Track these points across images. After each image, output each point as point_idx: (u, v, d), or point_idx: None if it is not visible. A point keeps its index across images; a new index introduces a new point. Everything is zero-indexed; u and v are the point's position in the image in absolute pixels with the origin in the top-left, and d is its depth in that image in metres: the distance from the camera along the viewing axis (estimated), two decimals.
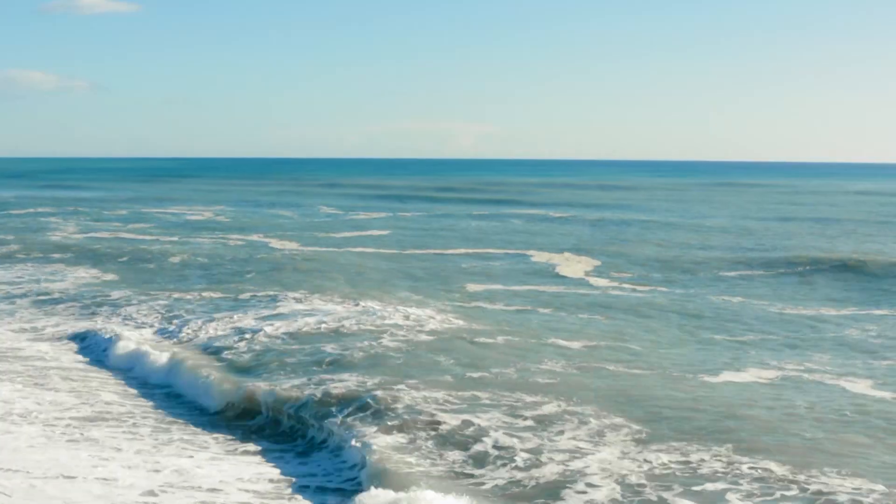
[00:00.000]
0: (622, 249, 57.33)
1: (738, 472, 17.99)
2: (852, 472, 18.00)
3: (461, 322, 32.17)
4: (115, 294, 39.44)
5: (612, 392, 23.38)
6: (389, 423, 20.80)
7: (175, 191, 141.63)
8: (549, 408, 21.75)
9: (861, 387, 24.62)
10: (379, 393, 22.74)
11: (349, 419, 21.18)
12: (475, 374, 24.83)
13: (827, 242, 60.15)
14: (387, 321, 31.77)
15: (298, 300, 36.28)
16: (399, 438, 20.04)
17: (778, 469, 18.04)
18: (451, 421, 20.94)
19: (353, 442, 19.61)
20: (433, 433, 20.30)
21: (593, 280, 44.54)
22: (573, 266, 49.78)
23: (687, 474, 17.94)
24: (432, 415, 21.33)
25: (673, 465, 18.33)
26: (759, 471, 17.99)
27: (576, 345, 28.94)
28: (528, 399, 22.43)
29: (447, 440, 19.95)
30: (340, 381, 24.16)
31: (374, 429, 20.44)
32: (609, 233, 70.00)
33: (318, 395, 22.89)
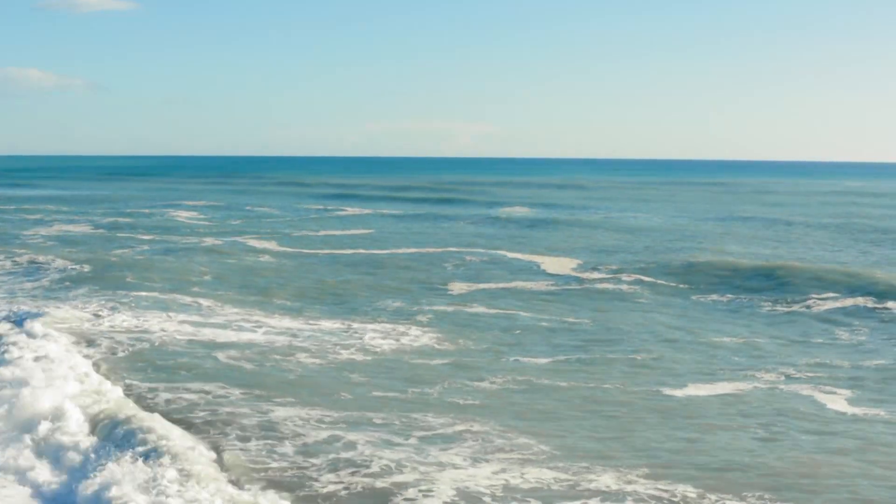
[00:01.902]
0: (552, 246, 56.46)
1: (613, 491, 16.60)
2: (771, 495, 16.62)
3: (399, 336, 30.40)
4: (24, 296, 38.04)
5: (533, 412, 21.80)
6: (233, 435, 19.48)
7: (140, 189, 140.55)
8: (456, 428, 20.22)
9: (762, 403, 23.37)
10: (236, 406, 21.62)
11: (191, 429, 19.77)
12: (380, 393, 23.24)
13: (732, 245, 58.25)
14: (308, 334, 30.38)
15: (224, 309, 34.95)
16: (241, 447, 18.72)
17: (690, 492, 16.58)
18: (317, 434, 19.63)
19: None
20: (291, 444, 18.96)
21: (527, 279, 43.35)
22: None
23: (558, 494, 16.55)
24: (295, 428, 20.02)
25: (549, 485, 16.91)
26: (661, 491, 16.60)
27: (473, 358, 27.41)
28: (432, 420, 20.84)
29: (303, 450, 18.62)
30: (203, 392, 22.99)
31: (224, 438, 19.24)
32: (544, 231, 68.91)
33: (164, 405, 21.67)
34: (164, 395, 22.69)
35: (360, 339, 29.75)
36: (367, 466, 17.64)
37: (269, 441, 19.18)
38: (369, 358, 27.19)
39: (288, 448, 18.76)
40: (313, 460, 18.02)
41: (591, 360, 27.47)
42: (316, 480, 16.98)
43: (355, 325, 32.00)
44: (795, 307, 37.06)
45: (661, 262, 48.49)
